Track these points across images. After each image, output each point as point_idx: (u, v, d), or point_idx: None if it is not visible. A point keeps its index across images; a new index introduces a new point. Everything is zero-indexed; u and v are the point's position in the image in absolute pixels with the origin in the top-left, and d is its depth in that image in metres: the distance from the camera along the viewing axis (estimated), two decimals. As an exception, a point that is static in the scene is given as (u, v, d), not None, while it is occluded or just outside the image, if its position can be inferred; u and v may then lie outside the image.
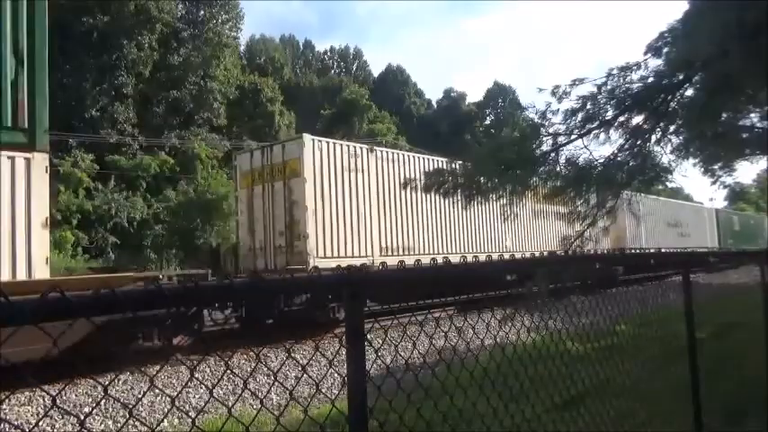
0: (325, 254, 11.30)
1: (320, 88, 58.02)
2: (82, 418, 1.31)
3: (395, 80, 67.50)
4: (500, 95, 69.75)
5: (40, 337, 0.98)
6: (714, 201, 56.81)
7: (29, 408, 6.33)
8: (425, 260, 13.10)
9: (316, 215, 11.41)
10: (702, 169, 8.85)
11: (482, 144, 36.45)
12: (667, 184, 8.37)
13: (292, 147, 11.92)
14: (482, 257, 14.97)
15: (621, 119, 6.68)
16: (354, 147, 12.92)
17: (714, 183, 9.10)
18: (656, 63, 6.97)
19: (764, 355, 4.20)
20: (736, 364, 4.65)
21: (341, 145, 12.66)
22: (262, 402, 6.18)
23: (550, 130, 6.95)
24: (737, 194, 52.70)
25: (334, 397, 1.81)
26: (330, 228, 11.65)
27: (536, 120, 7.18)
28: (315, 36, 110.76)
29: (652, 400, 3.50)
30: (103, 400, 6.23)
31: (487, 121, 68.25)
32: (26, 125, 6.76)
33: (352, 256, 11.76)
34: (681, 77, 6.42)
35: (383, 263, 12.10)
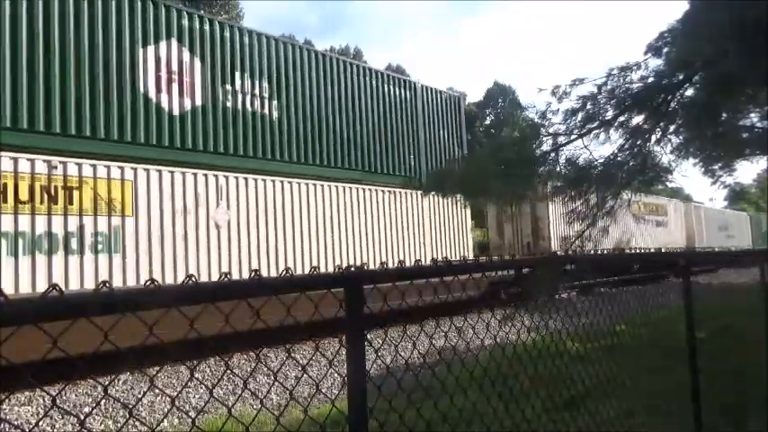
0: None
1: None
2: (82, 418, 1.31)
3: (395, 80, 67.27)
4: (500, 95, 69.71)
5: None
6: (714, 201, 56.84)
7: (29, 408, 6.33)
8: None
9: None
10: (702, 169, 8.85)
11: (482, 144, 36.48)
12: (667, 184, 8.37)
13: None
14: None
15: (621, 119, 6.69)
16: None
17: (714, 183, 9.09)
18: (656, 63, 6.98)
19: (764, 356, 4.20)
20: (736, 364, 4.65)
21: None
22: (262, 402, 6.19)
23: (550, 130, 6.95)
24: (737, 194, 52.69)
25: (334, 397, 1.81)
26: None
27: (536, 120, 7.18)
28: (315, 36, 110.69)
29: (655, 400, 3.50)
30: (103, 400, 6.24)
31: (487, 121, 68.26)
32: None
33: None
34: (681, 77, 6.43)
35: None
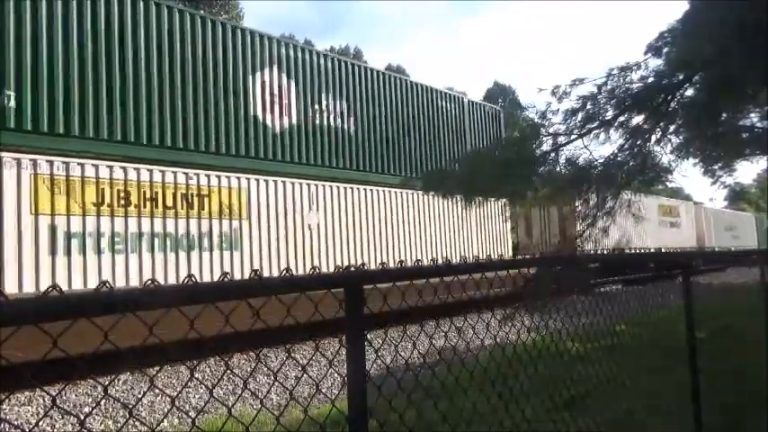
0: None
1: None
2: (82, 418, 1.31)
3: (395, 80, 67.27)
4: (500, 95, 69.70)
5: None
6: (714, 201, 56.88)
7: (29, 408, 6.33)
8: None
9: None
10: (702, 169, 8.85)
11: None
12: (667, 184, 8.37)
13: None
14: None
15: (621, 119, 6.68)
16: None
17: (714, 183, 9.10)
18: (656, 63, 6.98)
19: (764, 356, 4.20)
20: (736, 364, 4.65)
21: None
22: (262, 402, 6.19)
23: (550, 130, 6.95)
24: (737, 194, 52.69)
25: (334, 397, 1.81)
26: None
27: (536, 120, 7.18)
28: (315, 36, 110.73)
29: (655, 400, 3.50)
30: (103, 400, 6.24)
31: (487, 121, 68.11)
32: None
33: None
34: (681, 77, 6.42)
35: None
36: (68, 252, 7.23)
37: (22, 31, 7.08)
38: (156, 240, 8.04)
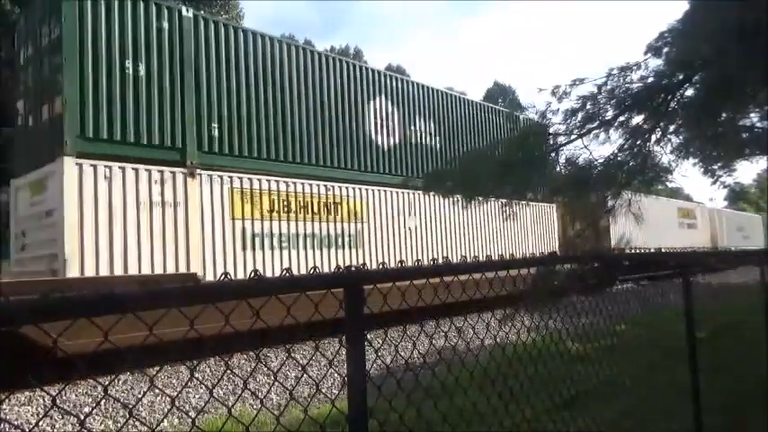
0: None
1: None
2: (82, 418, 1.31)
3: (395, 80, 67.27)
4: (500, 95, 69.71)
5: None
6: (714, 201, 56.89)
7: (29, 408, 6.33)
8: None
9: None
10: (702, 169, 8.84)
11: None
12: (667, 183, 8.36)
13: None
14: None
15: (621, 119, 6.67)
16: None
17: (714, 183, 9.07)
18: (656, 63, 6.96)
19: (764, 355, 4.20)
20: (736, 364, 4.65)
21: None
22: (262, 402, 6.19)
23: (550, 130, 6.94)
24: (737, 194, 52.68)
25: (334, 397, 1.81)
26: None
27: (536, 120, 7.17)
28: (315, 36, 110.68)
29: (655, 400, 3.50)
30: (103, 400, 6.24)
31: (487, 121, 68.12)
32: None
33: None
34: (681, 77, 6.42)
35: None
36: (254, 247, 9.49)
37: (221, 85, 9.55)
38: (308, 240, 10.37)
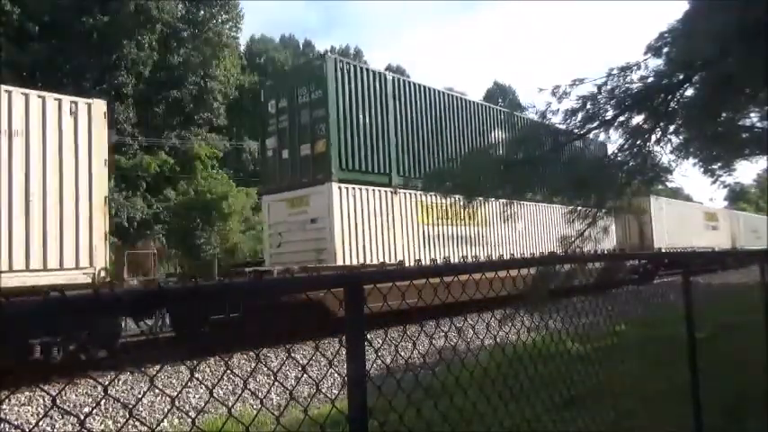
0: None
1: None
2: (82, 418, 1.31)
3: (395, 80, 67.30)
4: (500, 95, 69.72)
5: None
6: (714, 201, 56.90)
7: (29, 408, 6.33)
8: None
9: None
10: (702, 169, 8.83)
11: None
12: (667, 183, 8.36)
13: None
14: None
15: (621, 119, 6.67)
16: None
17: (714, 183, 9.07)
18: (656, 63, 6.95)
19: (764, 355, 4.20)
20: (736, 364, 4.64)
21: None
22: (262, 402, 6.18)
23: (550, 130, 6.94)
24: (737, 194, 52.70)
25: (334, 397, 1.81)
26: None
27: (536, 120, 7.17)
28: (315, 36, 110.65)
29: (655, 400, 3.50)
30: (103, 400, 6.23)
31: (487, 121, 68.13)
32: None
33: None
34: (681, 77, 6.41)
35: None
36: (430, 244, 12.90)
37: (409, 128, 13.05)
38: (457, 239, 13.77)
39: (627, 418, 3.27)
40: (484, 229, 14.41)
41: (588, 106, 6.57)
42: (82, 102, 8.23)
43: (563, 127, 6.81)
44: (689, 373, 3.33)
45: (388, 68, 67.88)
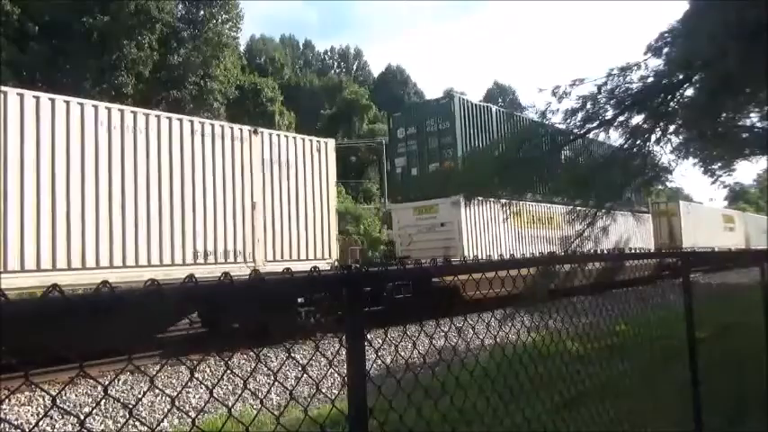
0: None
1: (320, 88, 57.96)
2: (82, 418, 1.31)
3: (395, 80, 67.45)
4: (500, 95, 69.72)
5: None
6: (714, 200, 56.93)
7: (29, 408, 6.33)
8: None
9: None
10: (702, 169, 8.84)
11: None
12: (667, 183, 8.37)
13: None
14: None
15: (621, 119, 6.68)
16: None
17: (714, 183, 9.07)
18: (656, 63, 6.96)
19: (764, 355, 4.20)
20: (736, 363, 4.64)
21: None
22: (262, 402, 6.18)
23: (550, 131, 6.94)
24: (737, 194, 52.70)
25: (334, 397, 1.81)
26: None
27: (536, 120, 7.18)
28: (315, 36, 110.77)
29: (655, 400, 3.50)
30: (103, 400, 6.23)
31: (487, 122, 68.11)
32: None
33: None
34: (681, 77, 6.41)
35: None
36: (524, 244, 16.10)
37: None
38: (540, 240, 16.21)
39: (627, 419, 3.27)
40: (555, 232, 16.44)
41: (588, 106, 6.58)
42: (323, 141, 12.39)
43: (563, 127, 6.81)
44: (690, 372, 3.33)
45: (388, 69, 68.11)
